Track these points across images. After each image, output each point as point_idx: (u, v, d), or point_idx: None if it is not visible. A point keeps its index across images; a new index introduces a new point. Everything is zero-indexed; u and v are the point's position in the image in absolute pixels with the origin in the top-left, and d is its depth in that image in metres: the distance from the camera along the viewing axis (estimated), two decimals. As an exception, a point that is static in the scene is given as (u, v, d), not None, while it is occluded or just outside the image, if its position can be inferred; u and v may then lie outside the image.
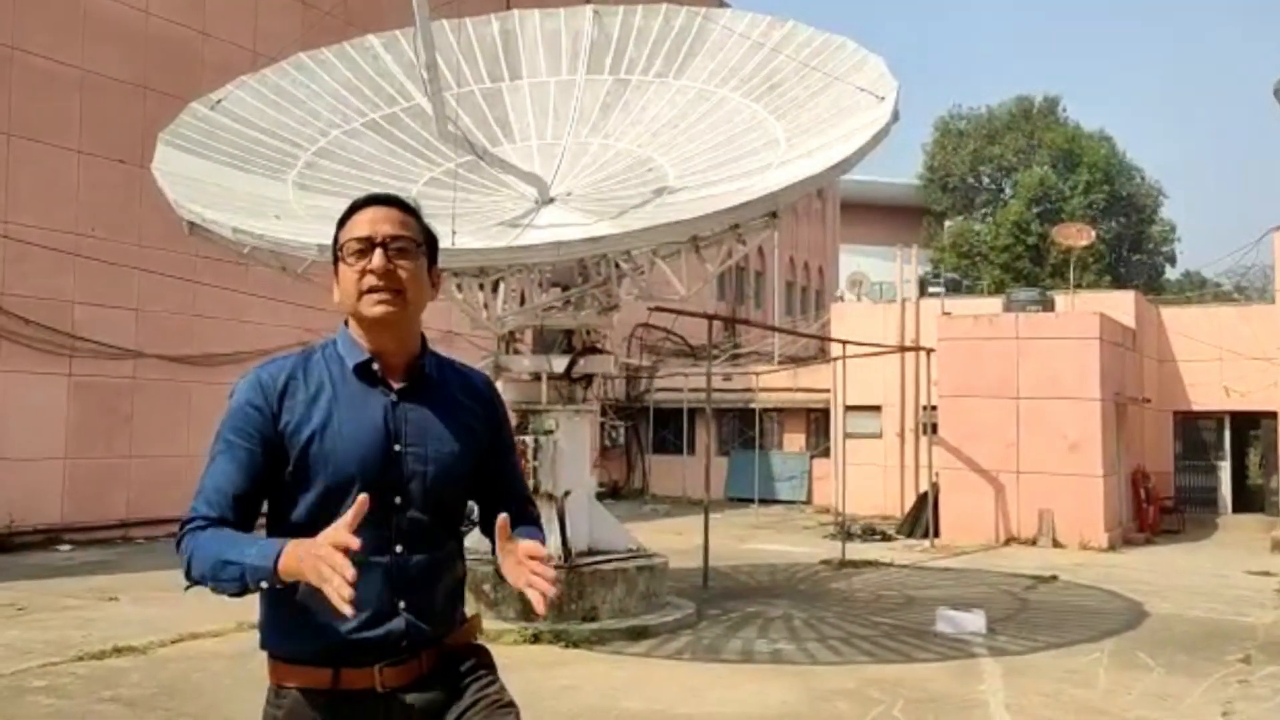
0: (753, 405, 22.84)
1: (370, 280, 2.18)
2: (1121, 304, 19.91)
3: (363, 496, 1.96)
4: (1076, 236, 25.03)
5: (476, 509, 2.40)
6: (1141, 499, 18.62)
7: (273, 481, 2.17)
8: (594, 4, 12.07)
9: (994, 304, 19.99)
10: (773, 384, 23.34)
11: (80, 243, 15.18)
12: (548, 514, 9.39)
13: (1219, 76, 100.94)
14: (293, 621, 2.12)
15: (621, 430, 25.31)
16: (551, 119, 11.47)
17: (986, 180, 46.60)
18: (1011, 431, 16.70)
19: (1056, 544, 16.05)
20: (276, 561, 1.95)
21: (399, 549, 2.16)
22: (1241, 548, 16.57)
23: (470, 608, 2.33)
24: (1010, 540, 16.49)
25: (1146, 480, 18.92)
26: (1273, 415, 20.77)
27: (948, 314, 19.05)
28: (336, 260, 2.26)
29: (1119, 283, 36.75)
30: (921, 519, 17.26)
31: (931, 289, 25.33)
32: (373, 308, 2.19)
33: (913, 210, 47.48)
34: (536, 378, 9.95)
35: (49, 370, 14.88)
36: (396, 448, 2.19)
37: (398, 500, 2.17)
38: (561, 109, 11.48)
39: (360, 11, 17.78)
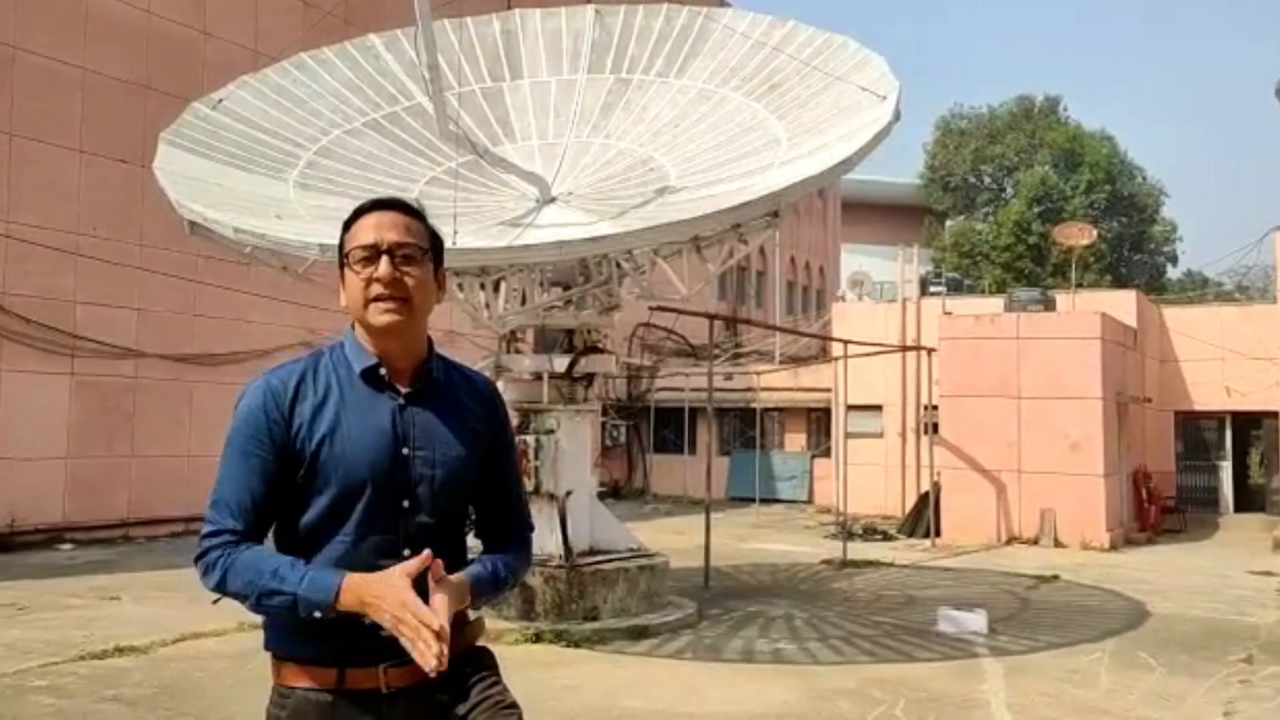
0: (754, 405, 22.83)
1: (377, 289, 2.18)
2: (1123, 304, 19.89)
3: (425, 554, 2.04)
4: (1078, 236, 25.01)
5: (474, 514, 2.41)
6: (1143, 499, 18.61)
7: (284, 488, 2.18)
8: (595, 3, 12.06)
9: (995, 303, 19.98)
10: (774, 384, 23.33)
11: (82, 242, 15.19)
12: (549, 513, 9.40)
13: (1220, 76, 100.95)
14: (298, 623, 2.12)
15: (623, 430, 25.31)
16: (553, 118, 11.46)
17: (988, 180, 46.61)
18: (1013, 431, 16.69)
19: (1058, 544, 16.04)
20: (335, 596, 2.01)
21: (407, 553, 2.16)
22: (1243, 547, 16.56)
23: (473, 610, 2.33)
24: (1011, 540, 16.48)
25: (1148, 480, 18.91)
26: (1274, 415, 20.76)
27: (949, 313, 19.04)
28: (342, 264, 2.26)
29: (1120, 282, 36.75)
30: (923, 519, 17.25)
31: (933, 288, 25.32)
32: (379, 317, 2.19)
33: (914, 210, 47.48)
34: (538, 377, 9.95)
35: (50, 370, 14.88)
36: (405, 451, 2.19)
37: (406, 504, 2.18)
38: (563, 108, 11.48)
39: (361, 11, 17.77)
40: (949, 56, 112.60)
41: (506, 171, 10.44)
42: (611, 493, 23.01)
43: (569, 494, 9.63)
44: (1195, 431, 22.49)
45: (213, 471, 2.22)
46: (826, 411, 22.18)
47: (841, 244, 42.09)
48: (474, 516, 2.40)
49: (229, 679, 7.27)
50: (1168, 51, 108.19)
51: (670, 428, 24.98)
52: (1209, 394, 21.31)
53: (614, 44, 11.66)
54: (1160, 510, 19.07)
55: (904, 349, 19.47)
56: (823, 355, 23.65)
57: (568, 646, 8.51)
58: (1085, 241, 25.60)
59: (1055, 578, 12.76)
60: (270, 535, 2.24)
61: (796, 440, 24.48)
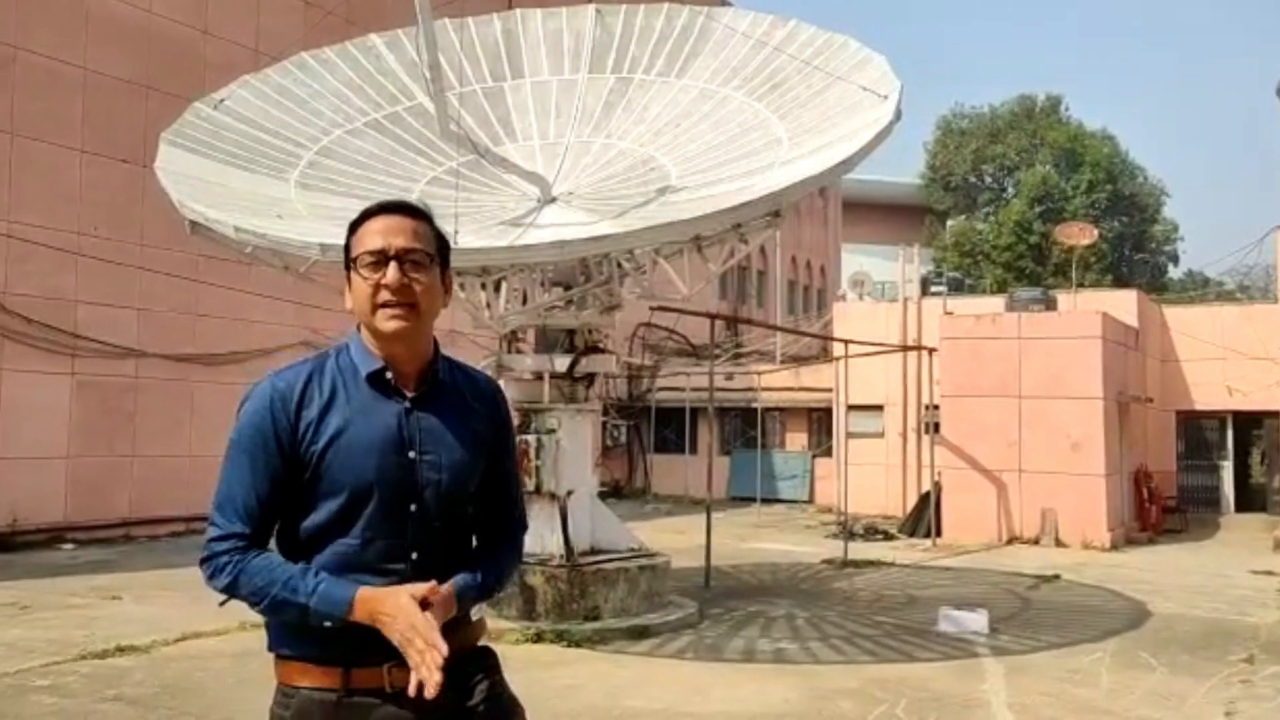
0: (755, 404, 22.82)
1: (385, 295, 2.18)
2: (1124, 303, 19.89)
3: (432, 585, 2.09)
4: (1079, 236, 25.01)
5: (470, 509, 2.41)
6: (1144, 498, 18.60)
7: (289, 491, 2.18)
8: (596, 3, 12.07)
9: (996, 303, 19.98)
10: (775, 383, 23.32)
11: (83, 242, 15.19)
12: (550, 513, 9.40)
13: (1221, 76, 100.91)
14: (303, 626, 2.13)
15: (623, 429, 25.31)
16: (554, 118, 11.47)
17: (989, 179, 46.61)
18: (1014, 431, 16.69)
19: (1059, 543, 16.04)
20: (348, 610, 2.06)
21: (414, 555, 2.17)
22: (1244, 547, 16.55)
23: (475, 610, 2.33)
24: (1012, 540, 16.48)
25: (1149, 480, 18.90)
26: (1275, 415, 20.77)
27: (950, 313, 19.03)
28: (349, 267, 2.25)
29: (1121, 282, 36.74)
30: (924, 518, 17.25)
31: (934, 288, 25.30)
32: (387, 323, 2.19)
33: (915, 209, 47.49)
34: (539, 377, 9.95)
35: (52, 369, 14.89)
36: (411, 455, 2.20)
37: (413, 508, 2.19)
38: (564, 108, 11.48)
39: (362, 10, 17.78)
40: (950, 56, 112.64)
41: (507, 171, 10.44)
42: (612, 492, 23.00)
43: (570, 493, 9.63)
44: (1196, 431, 22.48)
45: (214, 471, 2.22)
46: (827, 411, 22.18)
47: (842, 244, 42.08)
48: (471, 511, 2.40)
49: (230, 678, 7.27)
50: (1169, 51, 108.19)
51: (671, 427, 24.98)
52: (1210, 394, 21.29)
53: (615, 44, 11.67)
54: (1161, 510, 19.06)
55: (905, 349, 19.47)
56: (824, 355, 23.64)
57: (569, 646, 8.51)
58: (1086, 241, 25.61)
59: (1056, 577, 12.76)
60: (274, 537, 2.25)
61: (797, 440, 24.47)
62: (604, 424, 23.95)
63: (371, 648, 2.09)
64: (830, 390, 21.07)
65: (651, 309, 16.66)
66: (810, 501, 23.04)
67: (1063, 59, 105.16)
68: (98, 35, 15.73)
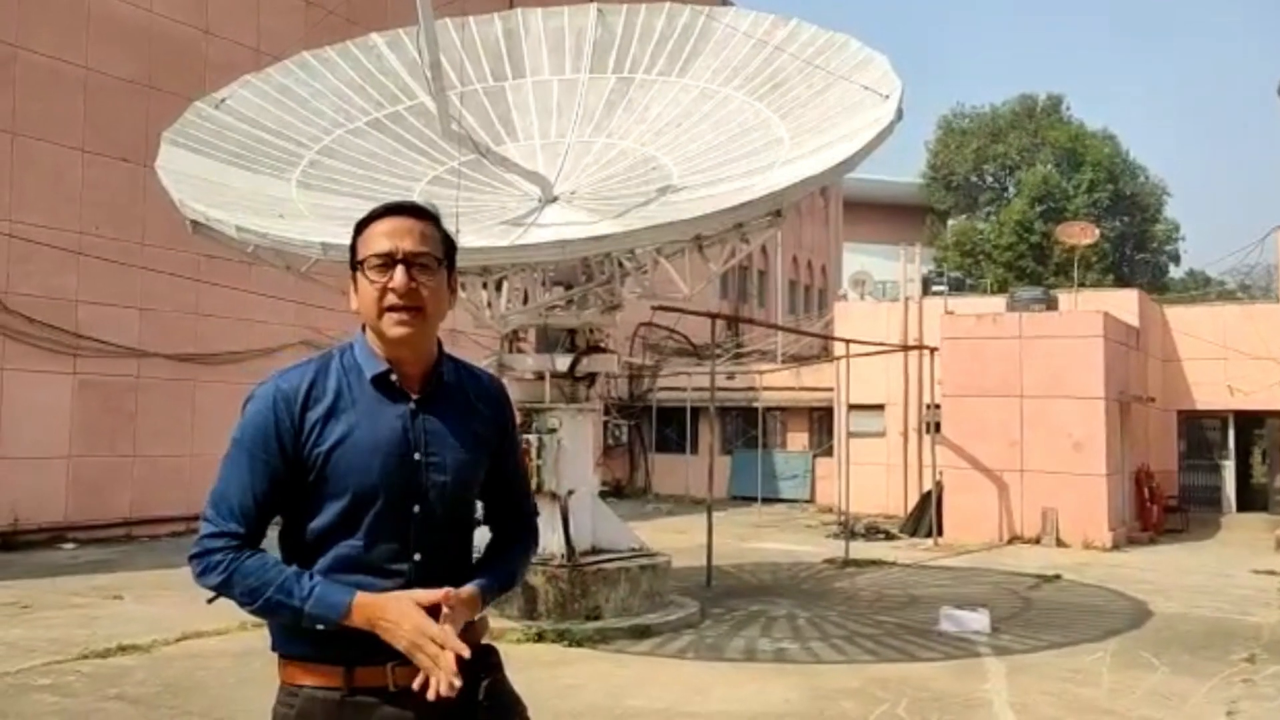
0: (756, 404, 22.82)
1: (391, 298, 2.17)
2: (1125, 303, 19.88)
3: (443, 591, 2.09)
4: (1080, 235, 25.01)
5: (481, 506, 2.44)
6: (1145, 498, 18.59)
7: (291, 492, 2.18)
8: (597, 3, 12.06)
9: (997, 303, 19.97)
10: (776, 383, 23.32)
11: (84, 242, 15.20)
12: (551, 512, 9.40)
13: (1223, 75, 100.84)
14: (295, 626, 2.13)
15: (624, 429, 25.31)
16: (555, 118, 11.47)
17: (990, 179, 46.62)
18: (1015, 430, 16.68)
19: (1060, 543, 16.03)
20: (344, 615, 2.06)
21: (417, 557, 2.17)
22: (1246, 547, 16.54)
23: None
24: (1014, 539, 16.47)
25: (1150, 479, 18.89)
26: (1277, 414, 20.77)
27: (951, 313, 19.03)
28: (355, 268, 2.25)
29: (1122, 281, 36.74)
30: (925, 518, 17.24)
31: (935, 288, 25.33)
32: (394, 328, 2.19)
33: (916, 209, 47.49)
34: (540, 376, 9.95)
35: (53, 369, 14.90)
36: (417, 457, 2.20)
37: (417, 509, 2.19)
38: (565, 108, 11.48)
39: (364, 10, 17.79)
40: (951, 55, 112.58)
41: (509, 171, 10.44)
42: (613, 492, 23.00)
43: (571, 493, 9.63)
44: (1198, 431, 22.47)
45: (215, 471, 2.22)
46: (828, 411, 22.17)
47: (843, 243, 42.07)
48: (482, 509, 2.44)
49: (231, 677, 7.27)
50: (1170, 51, 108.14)
51: (672, 427, 24.98)
52: (1212, 393, 21.28)
53: (616, 43, 11.67)
54: (1163, 510, 19.05)
55: (906, 348, 19.46)
56: (825, 354, 23.63)
57: (570, 646, 8.51)
58: (1087, 241, 25.60)
59: (1057, 577, 12.75)
60: (276, 537, 2.25)
61: (798, 440, 24.47)
62: (605, 423, 23.95)
63: (374, 647, 2.09)
64: (831, 390, 21.06)
65: (653, 308, 16.66)
66: (811, 501, 23.03)
67: (1064, 59, 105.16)
68: (99, 35, 15.73)
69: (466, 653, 2.05)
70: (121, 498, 15.58)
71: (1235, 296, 33.82)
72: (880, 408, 20.96)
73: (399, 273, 2.17)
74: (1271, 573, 13.48)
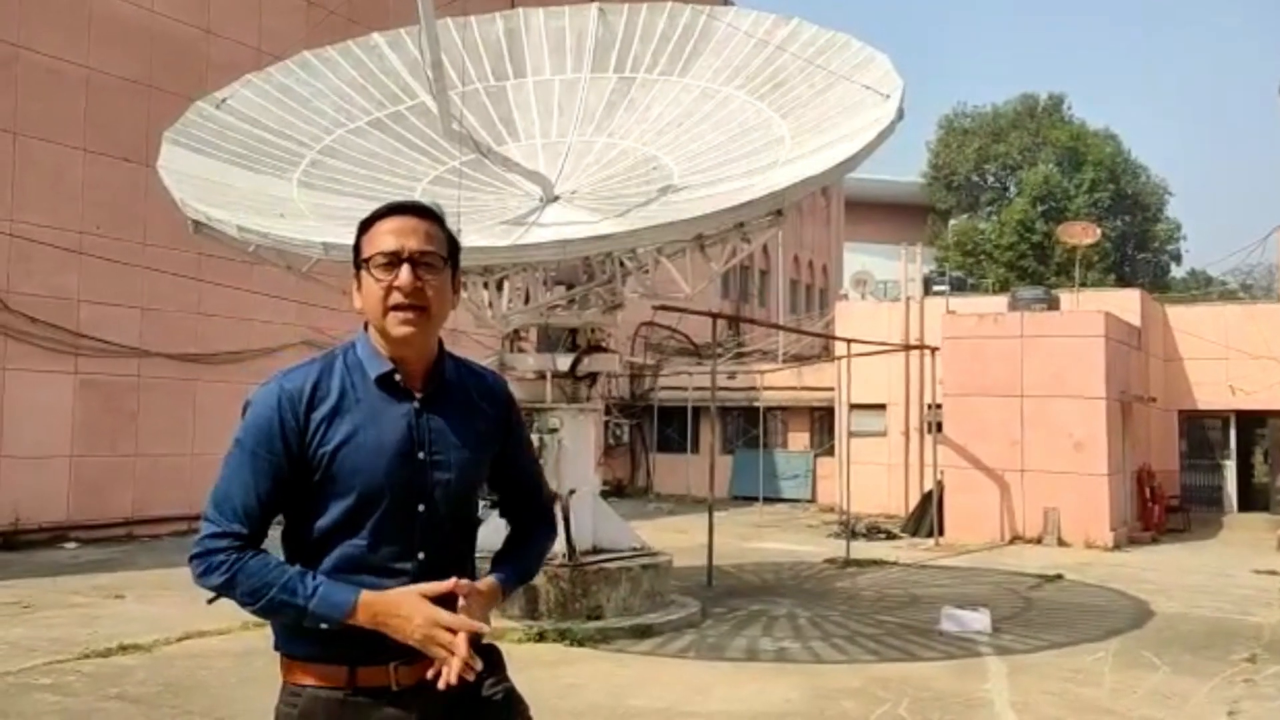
0: (757, 404, 22.82)
1: (397, 297, 2.17)
2: (1126, 302, 19.87)
3: (451, 582, 2.10)
4: (1081, 235, 25.00)
5: (497, 500, 2.49)
6: (1147, 498, 18.59)
7: (295, 492, 2.18)
8: (599, 2, 12.07)
9: (999, 302, 19.96)
10: (777, 382, 23.31)
11: (86, 241, 15.21)
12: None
13: (1224, 75, 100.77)
14: (298, 626, 2.13)
15: (626, 429, 25.31)
16: (556, 117, 11.47)
17: (991, 178, 46.61)
18: (1016, 430, 16.68)
19: (1061, 543, 16.03)
20: (349, 613, 2.06)
21: (421, 556, 2.18)
22: (1247, 547, 16.54)
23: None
24: (1015, 539, 16.47)
25: (1152, 479, 18.89)
26: (1278, 414, 20.73)
27: (952, 312, 19.03)
28: (358, 267, 2.24)
29: (1124, 281, 36.76)
30: (926, 518, 17.23)
31: (936, 287, 25.29)
32: (398, 327, 2.19)
33: (917, 208, 47.48)
34: (541, 376, 9.95)
35: (55, 369, 14.90)
36: (421, 456, 2.20)
37: (421, 508, 2.19)
38: (566, 107, 11.48)
39: (365, 10, 17.79)
40: (953, 55, 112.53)
41: (510, 170, 10.44)
42: (615, 492, 23.00)
43: (572, 493, 9.62)
44: (1199, 430, 22.45)
45: (216, 471, 2.21)
46: (830, 410, 22.17)
47: (845, 243, 42.07)
48: (497, 500, 2.48)
49: (233, 677, 7.28)
50: (1171, 50, 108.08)
51: (673, 427, 24.97)
52: (1213, 393, 21.26)
53: (617, 43, 11.67)
54: (1164, 509, 19.05)
55: (907, 348, 19.46)
56: (826, 354, 23.63)
57: (571, 645, 8.51)
58: (1089, 240, 25.59)
59: (1059, 577, 12.75)
60: (279, 537, 2.25)
61: (800, 439, 24.46)
62: (606, 423, 23.94)
63: (377, 646, 2.09)
64: (832, 389, 21.06)
65: (654, 308, 16.66)
66: (812, 501, 23.03)
67: (1065, 58, 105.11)
68: (100, 35, 15.74)
69: (487, 630, 2.07)
70: (123, 497, 15.59)
71: (1237, 296, 33.81)
72: (881, 407, 20.96)
73: (405, 272, 2.17)
74: (1273, 572, 13.47)
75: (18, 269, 14.53)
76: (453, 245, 2.30)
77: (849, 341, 17.11)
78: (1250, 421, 22.20)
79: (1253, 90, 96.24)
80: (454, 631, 2.05)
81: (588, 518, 9.92)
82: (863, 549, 15.12)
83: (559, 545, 9.37)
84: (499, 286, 10.19)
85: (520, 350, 10.38)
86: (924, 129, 63.60)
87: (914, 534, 17.30)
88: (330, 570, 2.13)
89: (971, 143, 45.68)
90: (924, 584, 12.32)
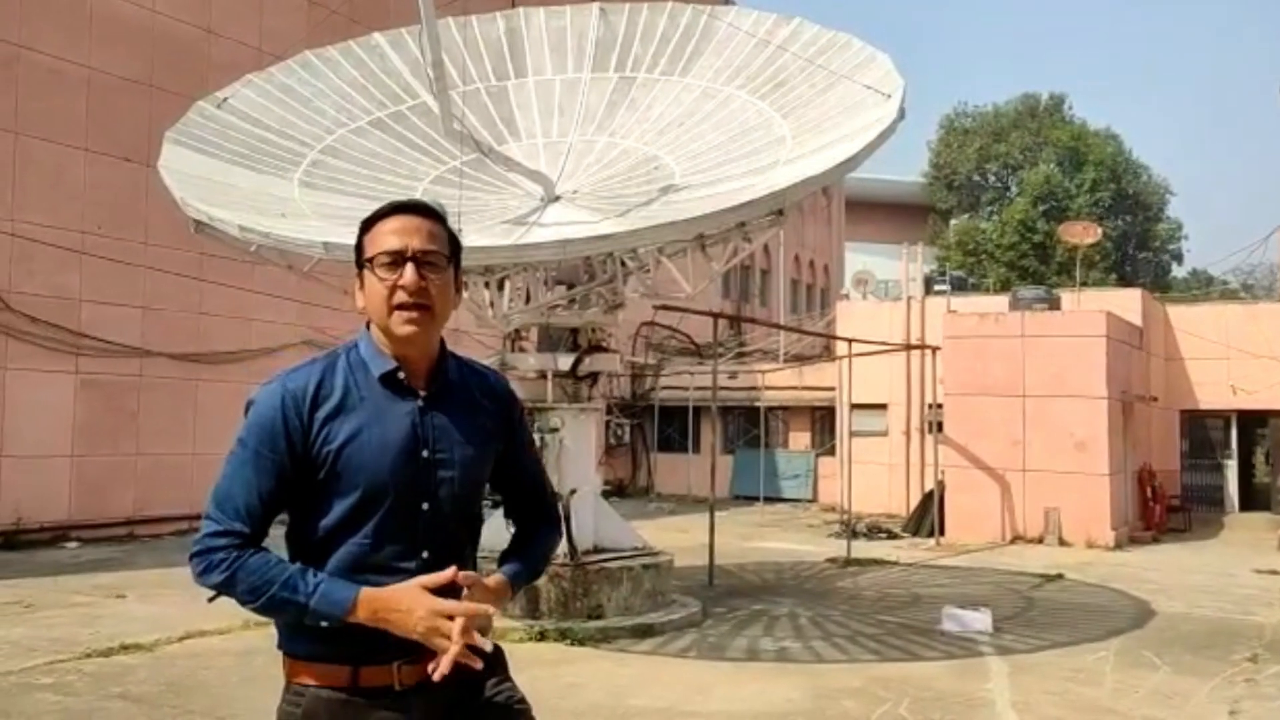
0: (758, 403, 22.83)
1: (401, 296, 2.18)
2: (1128, 302, 19.86)
3: (450, 572, 2.11)
4: (1082, 234, 24.99)
5: (501, 495, 2.50)
6: (1148, 497, 18.59)
7: (298, 492, 2.18)
8: (600, 2, 12.06)
9: (1000, 302, 19.95)
10: (778, 382, 23.31)
11: (87, 241, 15.21)
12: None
13: (1226, 74, 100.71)
14: (299, 624, 2.13)
15: (627, 428, 25.31)
16: (557, 117, 11.47)
17: (992, 178, 46.60)
18: (1017, 430, 16.68)
19: (1063, 542, 16.03)
20: (350, 610, 2.06)
21: (425, 554, 2.18)
22: (1248, 546, 16.53)
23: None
24: (1016, 539, 16.47)
25: (1153, 479, 18.88)
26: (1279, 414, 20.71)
27: (953, 312, 19.02)
28: (361, 266, 2.25)
29: (1125, 281, 36.76)
30: (927, 517, 17.23)
31: (937, 287, 25.27)
32: (402, 326, 2.19)
33: (918, 208, 47.47)
34: (542, 376, 9.96)
35: (56, 368, 14.91)
36: (425, 454, 2.20)
37: (425, 507, 2.19)
38: (567, 107, 11.48)
39: (366, 10, 17.79)
40: (954, 55, 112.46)
41: (511, 170, 10.44)
42: (616, 491, 23.01)
43: (573, 492, 9.63)
44: (1201, 430, 22.44)
45: (218, 470, 2.22)
46: (831, 410, 22.17)
47: (846, 242, 42.05)
48: (502, 500, 2.49)
49: (234, 676, 7.28)
50: (1173, 49, 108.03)
51: (674, 426, 24.98)
52: (1214, 393, 21.25)
53: (618, 42, 11.67)
54: (1165, 509, 19.04)
55: (908, 348, 19.46)
56: (827, 354, 23.63)
57: (572, 645, 8.52)
58: (1090, 240, 25.57)
59: (1060, 577, 12.75)
60: (282, 537, 2.25)
61: (801, 439, 24.46)
62: (607, 423, 23.95)
63: (380, 645, 2.09)
64: (833, 389, 21.07)
65: (655, 308, 16.67)
66: (813, 500, 23.03)
67: (1066, 58, 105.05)
68: (101, 34, 15.74)
69: (491, 613, 2.08)
70: (124, 497, 15.60)
71: (1238, 296, 33.79)
72: (882, 407, 20.95)
73: (409, 270, 2.17)
74: (1274, 572, 13.47)
75: (19, 269, 14.54)
76: (455, 244, 2.30)
77: (850, 341, 17.11)
78: (1251, 421, 22.19)
79: (1254, 90, 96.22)
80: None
81: (589, 517, 9.92)
82: (864, 549, 15.12)
83: (560, 545, 9.37)
84: (500, 286, 10.19)
85: (521, 350, 10.38)
86: (925, 129, 63.69)
87: (915, 534, 17.30)
88: (334, 569, 2.13)
89: (973, 142, 45.68)
90: (925, 584, 12.31)
